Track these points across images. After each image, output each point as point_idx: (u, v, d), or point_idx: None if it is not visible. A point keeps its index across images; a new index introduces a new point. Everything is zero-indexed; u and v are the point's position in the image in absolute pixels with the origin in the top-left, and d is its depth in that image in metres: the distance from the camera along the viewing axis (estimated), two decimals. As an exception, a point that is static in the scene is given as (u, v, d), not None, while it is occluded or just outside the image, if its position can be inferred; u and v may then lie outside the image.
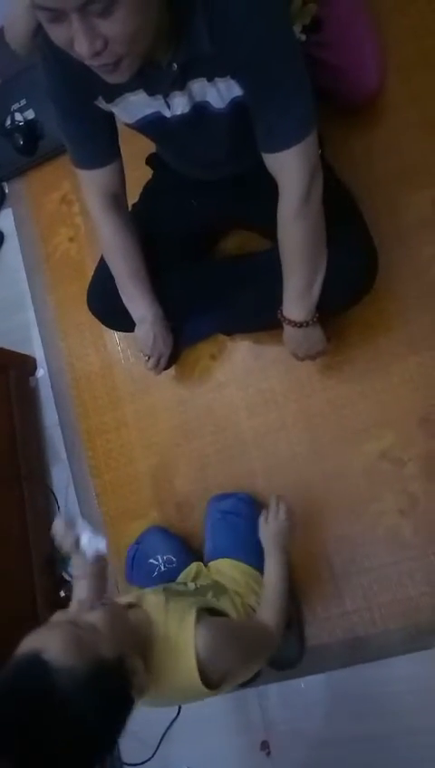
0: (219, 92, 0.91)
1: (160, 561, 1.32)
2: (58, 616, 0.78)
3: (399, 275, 1.31)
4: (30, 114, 1.73)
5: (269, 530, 1.13)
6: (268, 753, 1.28)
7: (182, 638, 0.84)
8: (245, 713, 1.33)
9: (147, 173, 1.36)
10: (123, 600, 0.95)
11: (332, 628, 1.27)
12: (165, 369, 1.39)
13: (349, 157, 1.37)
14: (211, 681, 0.84)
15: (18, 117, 1.73)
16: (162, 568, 1.30)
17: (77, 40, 0.70)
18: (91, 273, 1.64)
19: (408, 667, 1.20)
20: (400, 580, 1.23)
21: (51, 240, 1.75)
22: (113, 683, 0.72)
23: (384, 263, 1.19)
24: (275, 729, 1.29)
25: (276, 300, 1.18)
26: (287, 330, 1.14)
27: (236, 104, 0.92)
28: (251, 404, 1.43)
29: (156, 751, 1.37)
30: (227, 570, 1.20)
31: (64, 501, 1.59)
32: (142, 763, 1.37)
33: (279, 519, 1.14)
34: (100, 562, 1.01)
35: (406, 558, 1.24)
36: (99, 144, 1.07)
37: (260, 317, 1.28)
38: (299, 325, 1.11)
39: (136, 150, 1.26)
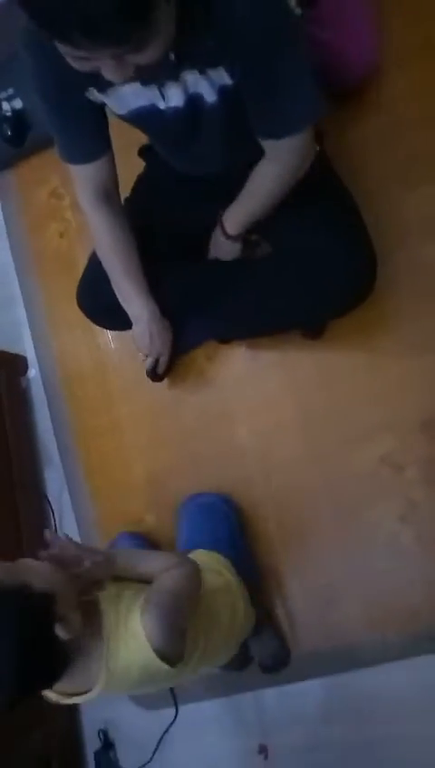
0: (211, 83, 0.89)
1: None
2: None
3: (400, 275, 1.28)
4: (18, 104, 1.67)
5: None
6: (266, 757, 1.28)
7: (131, 628, 0.81)
8: (242, 717, 1.33)
9: (139, 166, 1.32)
10: None
11: (328, 634, 1.26)
12: (164, 374, 1.36)
13: (347, 152, 1.33)
14: (171, 659, 0.82)
15: (6, 107, 1.66)
16: None
17: (107, 72, 0.71)
18: (81, 267, 1.61)
19: (407, 672, 1.19)
20: (399, 586, 1.22)
21: (41, 236, 1.70)
22: (35, 608, 0.72)
23: (385, 262, 1.16)
24: (273, 733, 1.29)
25: (275, 307, 1.17)
26: (217, 236, 1.21)
27: (225, 94, 0.90)
28: (248, 407, 1.40)
29: (153, 755, 1.36)
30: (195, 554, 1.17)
31: (58, 505, 1.56)
32: (141, 767, 1.36)
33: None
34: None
35: (405, 565, 1.22)
36: (89, 138, 1.03)
37: (257, 324, 1.25)
38: (230, 237, 1.18)
39: (127, 143, 1.22)
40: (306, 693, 1.27)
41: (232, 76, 0.86)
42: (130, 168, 1.29)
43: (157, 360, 1.33)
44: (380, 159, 1.35)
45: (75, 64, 0.72)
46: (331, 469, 1.30)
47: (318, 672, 1.26)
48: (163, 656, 0.80)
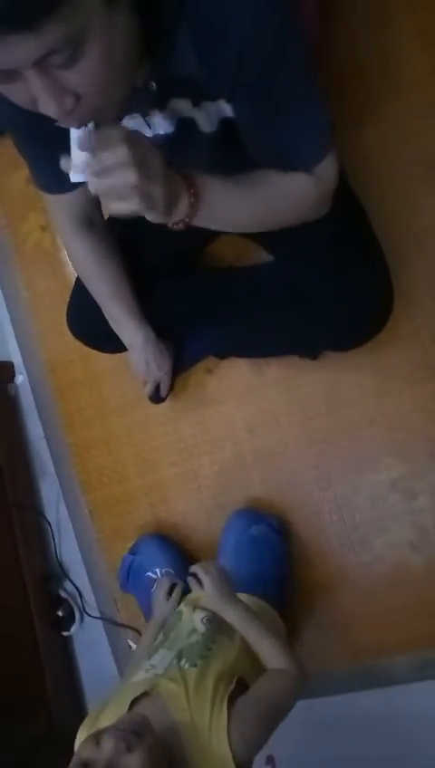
0: (208, 116, 0.76)
1: (158, 574, 1.28)
2: (89, 751, 0.73)
3: (415, 292, 1.18)
4: (-17, 76, 1.47)
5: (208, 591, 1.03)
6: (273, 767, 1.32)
7: (216, 744, 0.81)
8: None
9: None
10: (136, 689, 0.90)
11: (336, 657, 1.26)
12: (165, 397, 1.28)
13: (359, 147, 1.19)
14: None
15: (-30, 80, 1.47)
16: None
17: (41, 100, 0.55)
18: (68, 267, 1.49)
19: (419, 692, 1.20)
20: (407, 611, 1.21)
21: (19, 227, 1.55)
22: None
23: (398, 277, 1.07)
24: (280, 745, 1.31)
25: (277, 336, 1.10)
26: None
27: (226, 125, 0.77)
28: (251, 424, 1.33)
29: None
30: None
31: (56, 517, 1.52)
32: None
33: (210, 574, 1.04)
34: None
35: (414, 591, 1.21)
36: None
37: (256, 349, 1.17)
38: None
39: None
40: (314, 709, 1.29)
41: (239, 112, 0.73)
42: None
43: (158, 385, 1.25)
44: (398, 158, 1.21)
45: (8, 93, 0.57)
46: (338, 493, 1.26)
47: (326, 691, 1.27)
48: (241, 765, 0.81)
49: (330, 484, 1.27)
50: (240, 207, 0.77)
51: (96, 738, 0.76)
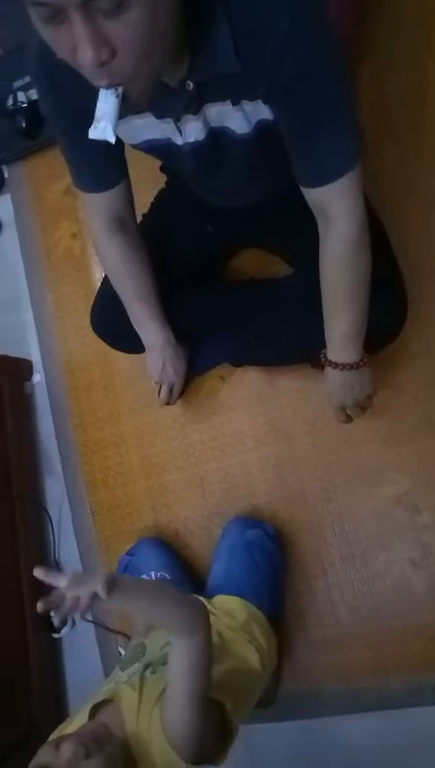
0: (245, 115, 0.79)
1: (153, 577, 1.27)
2: (48, 756, 0.74)
3: (427, 311, 1.22)
4: (34, 94, 1.58)
5: None
6: (258, 793, 1.26)
7: (156, 740, 0.80)
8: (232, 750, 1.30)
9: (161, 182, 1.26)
10: (98, 697, 0.90)
11: (330, 675, 1.23)
12: (175, 400, 1.32)
13: (379, 169, 1.26)
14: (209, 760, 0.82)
15: (21, 97, 1.58)
16: None
17: (80, 47, 0.57)
18: (94, 274, 1.55)
19: (416, 718, 1.16)
20: (406, 632, 1.18)
21: (52, 234, 1.63)
22: None
23: (412, 297, 1.10)
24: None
25: (295, 334, 1.10)
26: (335, 376, 1.02)
27: (262, 127, 0.81)
28: (259, 433, 1.35)
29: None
30: (236, 611, 1.12)
31: (58, 516, 1.52)
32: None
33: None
34: None
35: (414, 611, 1.18)
36: (103, 166, 0.96)
37: (271, 354, 1.20)
38: (352, 366, 1.00)
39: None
40: (303, 732, 1.24)
41: (277, 112, 0.77)
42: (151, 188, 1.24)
43: (170, 389, 1.28)
44: (418, 180, 1.27)
45: (48, 37, 0.59)
46: (342, 506, 1.26)
47: (317, 713, 1.23)
48: (200, 761, 0.80)
49: (334, 497, 1.27)
50: (345, 311, 0.93)
51: (56, 743, 0.76)
